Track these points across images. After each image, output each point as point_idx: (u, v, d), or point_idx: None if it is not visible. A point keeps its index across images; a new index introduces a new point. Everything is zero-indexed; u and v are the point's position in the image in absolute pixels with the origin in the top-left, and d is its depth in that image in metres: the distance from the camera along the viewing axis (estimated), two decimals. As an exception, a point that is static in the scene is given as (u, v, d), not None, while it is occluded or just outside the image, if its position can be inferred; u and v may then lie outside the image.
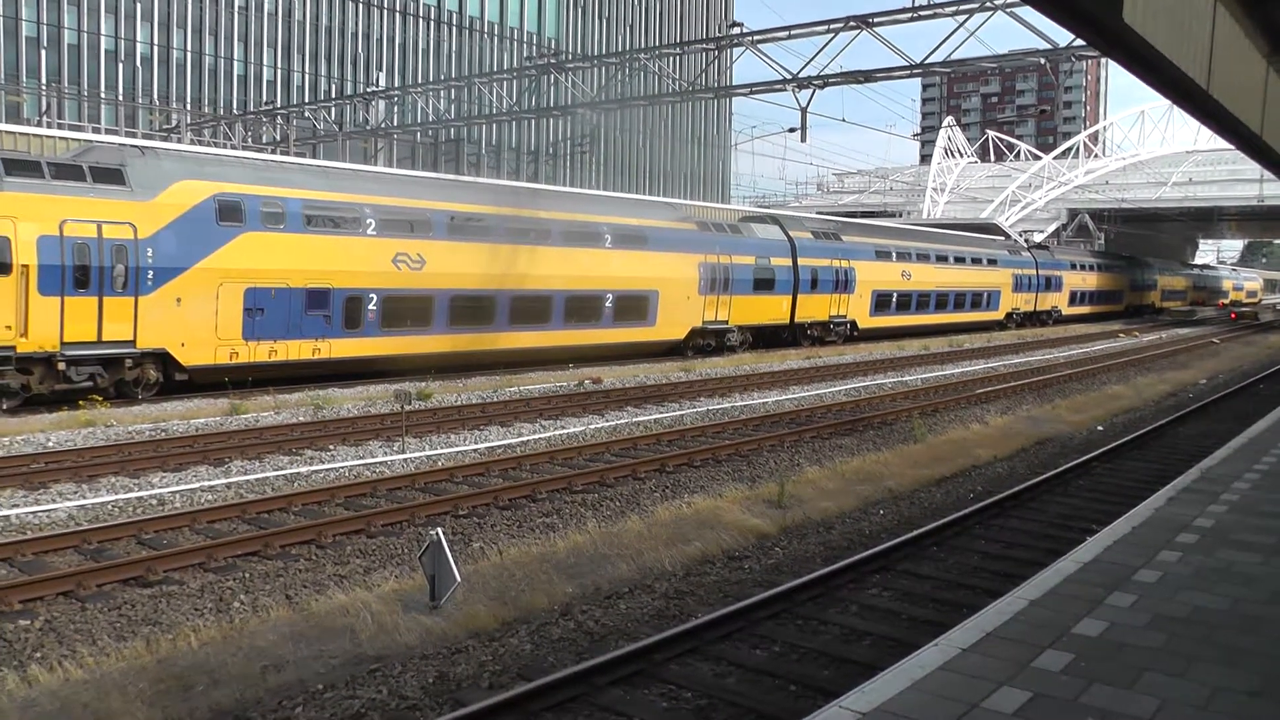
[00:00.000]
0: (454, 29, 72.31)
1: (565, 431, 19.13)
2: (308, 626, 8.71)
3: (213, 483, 14.25)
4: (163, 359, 21.46)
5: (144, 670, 7.79)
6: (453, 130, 58.27)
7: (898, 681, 5.96)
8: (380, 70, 67.58)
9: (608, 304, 30.89)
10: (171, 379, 21.80)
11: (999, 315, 55.42)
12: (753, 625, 8.85)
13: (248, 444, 16.70)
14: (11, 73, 53.36)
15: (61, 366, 19.79)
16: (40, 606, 9.35)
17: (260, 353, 22.77)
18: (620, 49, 76.65)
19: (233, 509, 12.66)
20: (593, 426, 19.69)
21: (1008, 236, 67.31)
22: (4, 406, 19.29)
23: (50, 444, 16.41)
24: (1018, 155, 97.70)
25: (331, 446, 17.04)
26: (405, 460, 16.19)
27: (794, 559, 11.28)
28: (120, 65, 57.26)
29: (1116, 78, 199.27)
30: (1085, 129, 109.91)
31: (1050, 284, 61.07)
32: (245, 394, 21.68)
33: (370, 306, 24.64)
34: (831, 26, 31.10)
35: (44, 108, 52.86)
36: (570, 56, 57.48)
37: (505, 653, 8.31)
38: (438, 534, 9.21)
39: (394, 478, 14.59)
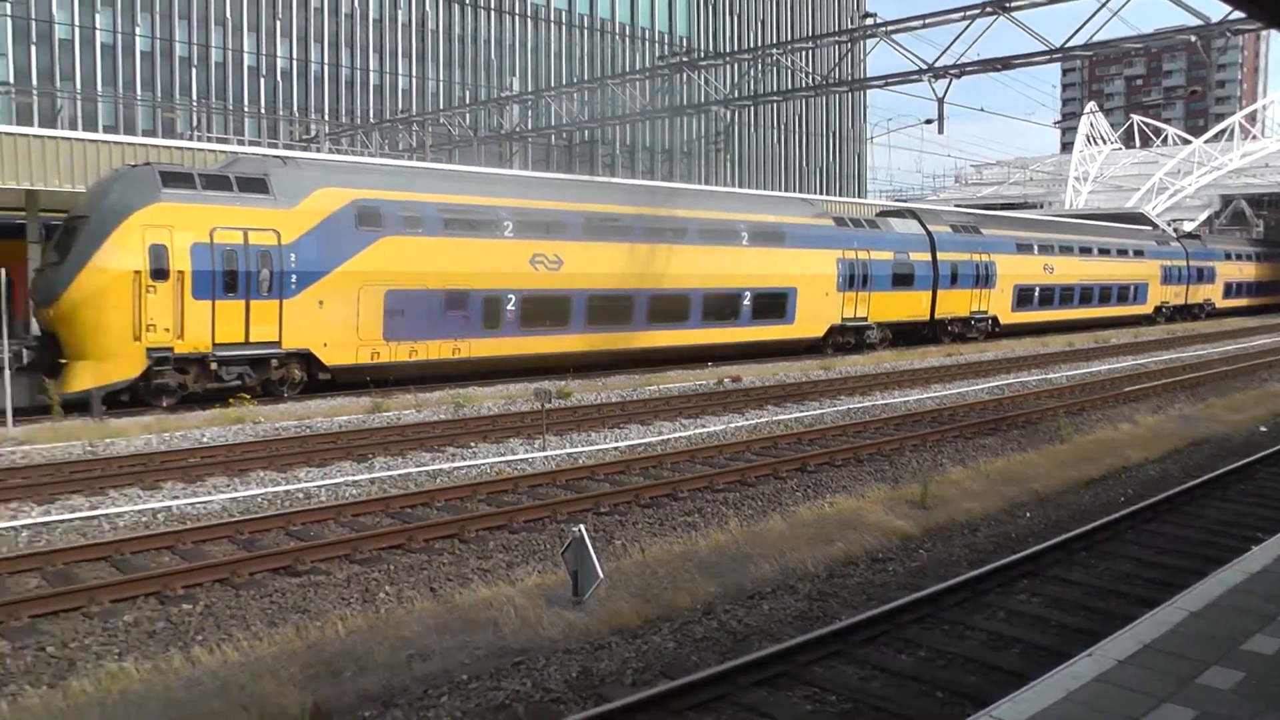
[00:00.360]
0: (585, 31, 73.01)
1: (705, 430, 19.07)
2: (452, 618, 8.85)
3: (356, 478, 14.65)
4: (306, 359, 22.19)
5: (295, 655, 8.04)
6: (586, 132, 58.81)
7: (1051, 692, 5.75)
8: (513, 75, 68.67)
9: (745, 302, 30.74)
10: (315, 378, 22.54)
11: (1147, 309, 53.27)
12: (898, 629, 8.65)
13: (390, 441, 17.15)
14: (166, 91, 56.15)
15: (213, 366, 20.67)
16: (200, 592, 9.76)
17: (401, 353, 23.34)
18: (752, 45, 76.31)
19: (376, 503, 12.99)
20: (733, 425, 19.60)
21: (1155, 226, 64.60)
22: (164, 404, 20.25)
23: (205, 439, 17.17)
24: (1165, 140, 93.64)
25: (472, 444, 17.33)
26: (546, 458, 16.35)
27: (938, 561, 11.02)
28: (262, 80, 59.58)
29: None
30: (1241, 109, 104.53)
31: (1202, 275, 58.36)
32: (386, 393, 22.21)
33: (509, 307, 25.01)
34: (967, 13, 30.26)
35: (194, 123, 55.53)
36: (702, 54, 57.28)
37: (648, 650, 8.31)
38: (580, 530, 9.26)
39: (535, 475, 14.75)
